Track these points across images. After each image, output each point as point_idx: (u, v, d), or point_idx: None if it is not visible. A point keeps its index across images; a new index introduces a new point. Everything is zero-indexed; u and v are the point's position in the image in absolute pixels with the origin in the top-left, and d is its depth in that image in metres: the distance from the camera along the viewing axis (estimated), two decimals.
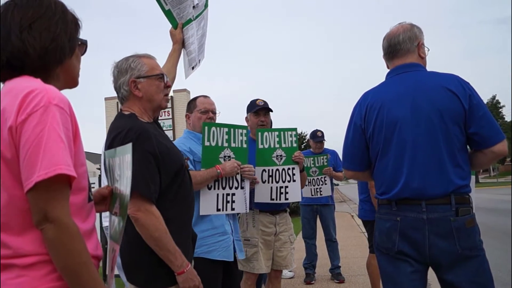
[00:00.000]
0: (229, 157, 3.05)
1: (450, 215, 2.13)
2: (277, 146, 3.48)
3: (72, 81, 1.46)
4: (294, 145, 3.57)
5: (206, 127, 2.94)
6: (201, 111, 3.13)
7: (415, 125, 2.21)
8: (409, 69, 2.34)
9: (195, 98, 3.22)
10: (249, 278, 3.58)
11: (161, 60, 2.44)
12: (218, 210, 2.95)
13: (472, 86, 2.23)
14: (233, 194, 3.05)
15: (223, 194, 2.99)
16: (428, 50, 2.44)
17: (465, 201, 2.18)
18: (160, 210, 1.96)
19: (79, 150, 1.29)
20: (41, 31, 1.31)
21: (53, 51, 1.33)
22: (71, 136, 1.24)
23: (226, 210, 3.00)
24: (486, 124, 2.17)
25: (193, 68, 2.97)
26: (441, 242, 2.14)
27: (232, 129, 3.09)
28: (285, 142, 3.51)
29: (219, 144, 3.02)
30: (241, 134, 3.15)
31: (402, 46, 2.37)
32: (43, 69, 1.33)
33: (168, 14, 2.79)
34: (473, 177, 2.54)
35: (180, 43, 2.83)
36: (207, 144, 2.94)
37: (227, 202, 3.01)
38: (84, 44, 1.48)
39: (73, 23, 1.41)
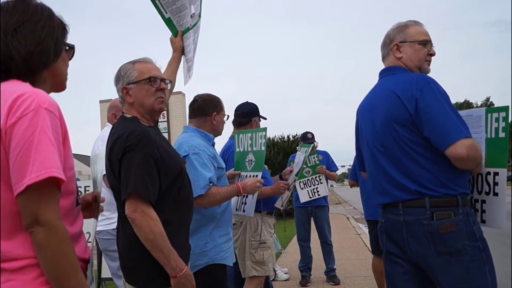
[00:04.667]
0: (251, 161, 3.13)
1: (424, 219, 2.08)
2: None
3: (59, 85, 1.46)
4: None
5: (236, 135, 3.30)
6: (226, 117, 3.11)
7: (374, 134, 2.27)
8: (384, 74, 2.38)
9: (219, 98, 3.11)
10: (260, 282, 3.49)
11: (160, 62, 2.46)
12: (236, 210, 3.09)
13: (433, 87, 2.10)
14: (246, 196, 3.11)
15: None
16: (429, 42, 2.33)
17: (445, 204, 2.08)
18: (159, 212, 1.99)
19: (68, 153, 1.30)
20: (26, 35, 1.31)
21: (38, 55, 1.33)
22: (61, 140, 1.25)
23: (240, 211, 3.13)
24: (434, 128, 2.06)
25: (190, 76, 2.99)
26: (417, 245, 2.11)
27: (254, 134, 3.18)
28: None
29: (245, 149, 3.19)
30: (261, 137, 3.15)
31: (381, 52, 2.43)
32: (29, 72, 1.33)
33: (169, 22, 2.82)
34: (504, 173, 2.21)
35: (179, 51, 2.84)
36: (237, 149, 3.27)
37: (242, 203, 3.14)
38: (71, 48, 1.49)
39: (60, 28, 1.42)
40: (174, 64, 2.83)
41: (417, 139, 2.11)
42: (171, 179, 2.06)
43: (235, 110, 3.70)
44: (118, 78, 2.19)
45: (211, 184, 2.69)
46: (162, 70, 2.40)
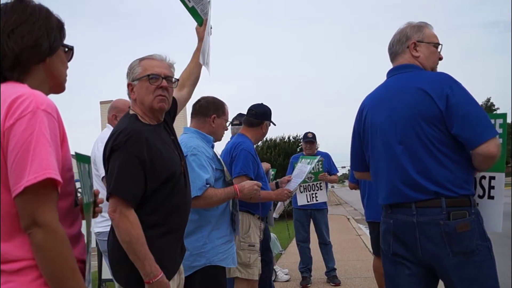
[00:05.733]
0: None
1: (440, 219, 2.05)
2: None
3: (58, 86, 1.46)
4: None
5: None
6: (227, 121, 3.09)
7: (392, 130, 2.20)
8: (398, 72, 2.33)
9: (224, 103, 3.09)
10: (252, 286, 3.43)
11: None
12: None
13: (460, 85, 2.12)
14: (234, 215, 3.07)
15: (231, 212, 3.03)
16: (441, 46, 2.36)
17: (460, 204, 2.08)
18: (143, 214, 1.95)
19: (66, 155, 1.30)
20: (23, 35, 1.31)
21: (32, 49, 1.32)
22: (59, 141, 1.25)
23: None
24: (467, 125, 2.04)
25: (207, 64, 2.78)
26: (431, 246, 2.08)
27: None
28: None
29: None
30: None
31: (392, 49, 2.39)
32: (21, 67, 1.31)
33: (193, 11, 2.73)
34: (501, 177, 2.26)
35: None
36: None
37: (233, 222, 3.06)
38: (70, 50, 1.48)
39: (57, 28, 1.41)
40: (198, 55, 2.68)
41: (443, 138, 2.09)
42: (159, 181, 2.00)
43: (249, 109, 3.63)
44: (127, 74, 2.15)
45: (208, 186, 2.68)
46: (179, 66, 2.32)
